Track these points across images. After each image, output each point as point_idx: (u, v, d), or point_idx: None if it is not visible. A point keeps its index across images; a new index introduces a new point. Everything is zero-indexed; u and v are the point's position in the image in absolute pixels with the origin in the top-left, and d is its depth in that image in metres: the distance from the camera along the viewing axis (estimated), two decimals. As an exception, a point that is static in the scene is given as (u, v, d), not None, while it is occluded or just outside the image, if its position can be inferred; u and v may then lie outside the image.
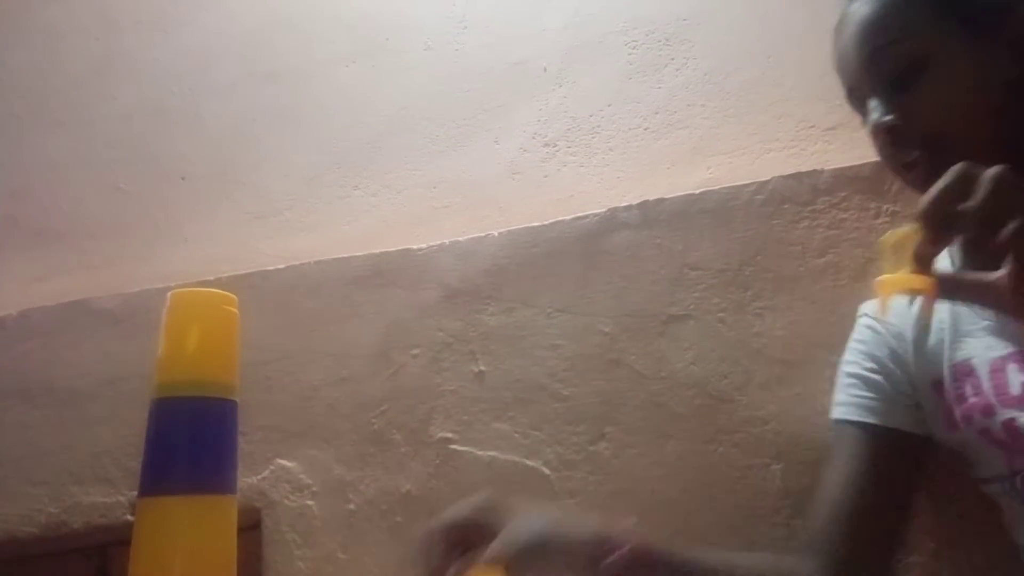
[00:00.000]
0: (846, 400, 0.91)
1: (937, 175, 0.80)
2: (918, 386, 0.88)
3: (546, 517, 0.76)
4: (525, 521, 0.75)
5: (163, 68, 1.50)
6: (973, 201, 0.58)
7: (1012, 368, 0.78)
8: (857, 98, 0.87)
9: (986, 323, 0.81)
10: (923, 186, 0.81)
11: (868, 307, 0.96)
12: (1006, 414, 0.78)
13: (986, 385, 0.80)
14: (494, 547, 0.72)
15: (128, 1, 1.55)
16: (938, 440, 0.87)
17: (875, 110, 0.83)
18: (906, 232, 0.63)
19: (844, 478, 0.87)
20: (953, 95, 0.80)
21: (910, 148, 0.82)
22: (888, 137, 0.83)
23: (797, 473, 1.00)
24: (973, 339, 0.82)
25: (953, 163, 0.79)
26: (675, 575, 0.81)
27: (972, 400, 0.81)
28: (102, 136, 1.48)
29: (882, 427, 0.88)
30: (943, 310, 0.86)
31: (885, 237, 0.65)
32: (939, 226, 0.60)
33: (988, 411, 0.79)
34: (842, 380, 0.94)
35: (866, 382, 0.91)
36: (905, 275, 0.63)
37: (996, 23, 0.80)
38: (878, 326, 0.92)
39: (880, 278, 0.65)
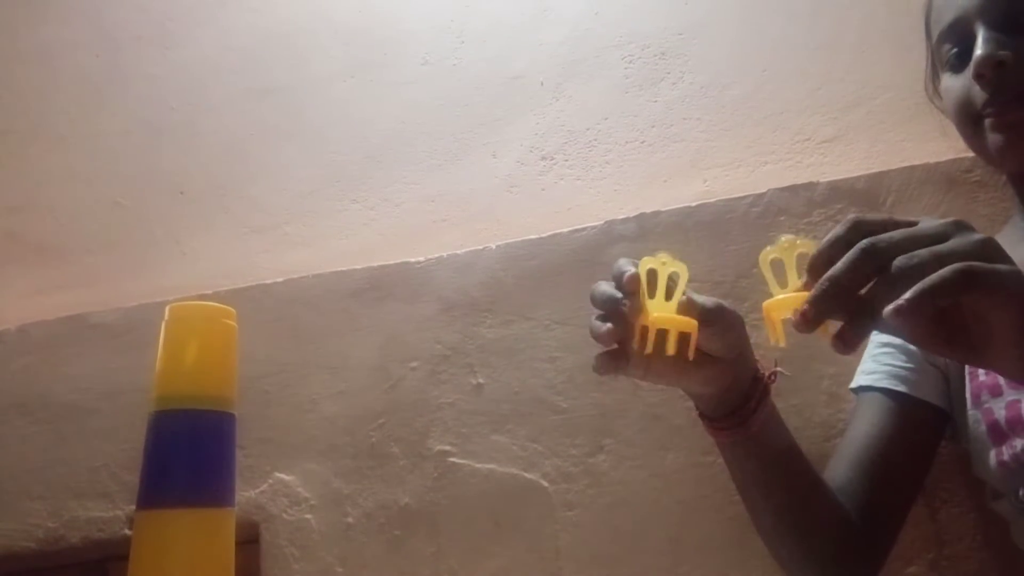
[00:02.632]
0: (875, 368, 0.91)
1: (1020, 128, 0.75)
2: (948, 362, 0.88)
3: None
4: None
5: (162, 84, 1.50)
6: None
7: None
8: (958, 32, 0.79)
9: None
10: (996, 139, 0.77)
11: None
12: (1012, 395, 0.78)
13: None
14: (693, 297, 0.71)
15: (127, 18, 1.56)
16: (957, 424, 0.87)
17: (986, 41, 0.75)
18: (787, 243, 0.61)
19: (867, 435, 0.88)
20: None
21: (1007, 93, 0.75)
22: (992, 74, 0.75)
23: (795, 484, 1.00)
24: None
25: None
26: (785, 444, 0.83)
27: (983, 378, 0.81)
28: (101, 151, 1.48)
29: (911, 396, 0.88)
30: None
31: (763, 252, 0.61)
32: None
33: (996, 391, 0.79)
34: (873, 349, 0.94)
35: (901, 350, 0.91)
36: (795, 293, 0.59)
37: None
38: None
39: (766, 302, 0.61)
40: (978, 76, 0.76)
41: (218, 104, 1.47)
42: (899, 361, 0.90)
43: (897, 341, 0.91)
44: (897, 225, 0.55)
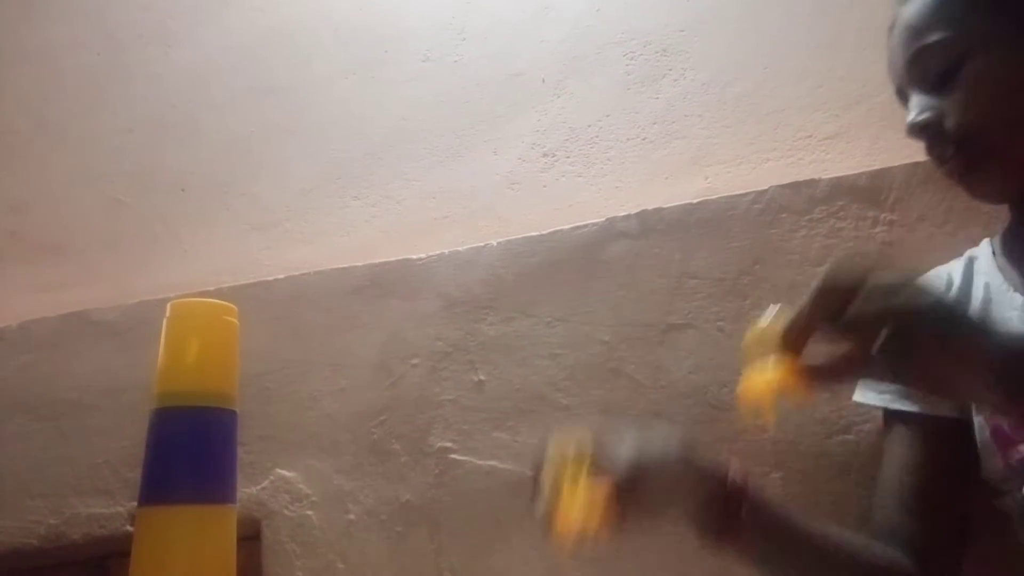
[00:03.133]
0: (890, 388, 0.91)
1: (971, 172, 0.80)
2: None
3: (660, 435, 0.75)
4: (639, 440, 0.74)
5: (163, 82, 1.50)
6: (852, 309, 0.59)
7: None
8: (903, 97, 0.86)
9: (1016, 312, 0.81)
10: (958, 181, 0.83)
11: None
12: None
13: None
14: (603, 465, 0.72)
15: (128, 17, 1.56)
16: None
17: (912, 108, 0.82)
18: (770, 323, 0.63)
19: (900, 468, 0.88)
20: (990, 91, 0.78)
21: (946, 145, 0.80)
22: (922, 136, 0.82)
23: (796, 481, 1.00)
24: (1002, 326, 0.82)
25: (987, 161, 0.79)
26: (793, 539, 0.82)
27: None
28: (102, 149, 1.48)
29: (928, 415, 0.88)
30: (979, 286, 0.86)
31: (747, 337, 0.64)
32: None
33: None
34: None
35: None
36: (769, 374, 0.62)
37: None
38: None
39: (740, 387, 0.63)
40: (912, 136, 0.83)
41: (219, 102, 1.47)
42: None
43: None
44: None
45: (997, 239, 0.90)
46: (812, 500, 0.99)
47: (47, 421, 1.26)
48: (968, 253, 0.92)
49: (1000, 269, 0.86)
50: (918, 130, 0.81)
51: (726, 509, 0.78)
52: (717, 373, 1.07)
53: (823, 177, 1.10)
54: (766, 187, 1.11)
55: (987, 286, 0.86)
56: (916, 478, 0.87)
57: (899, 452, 0.89)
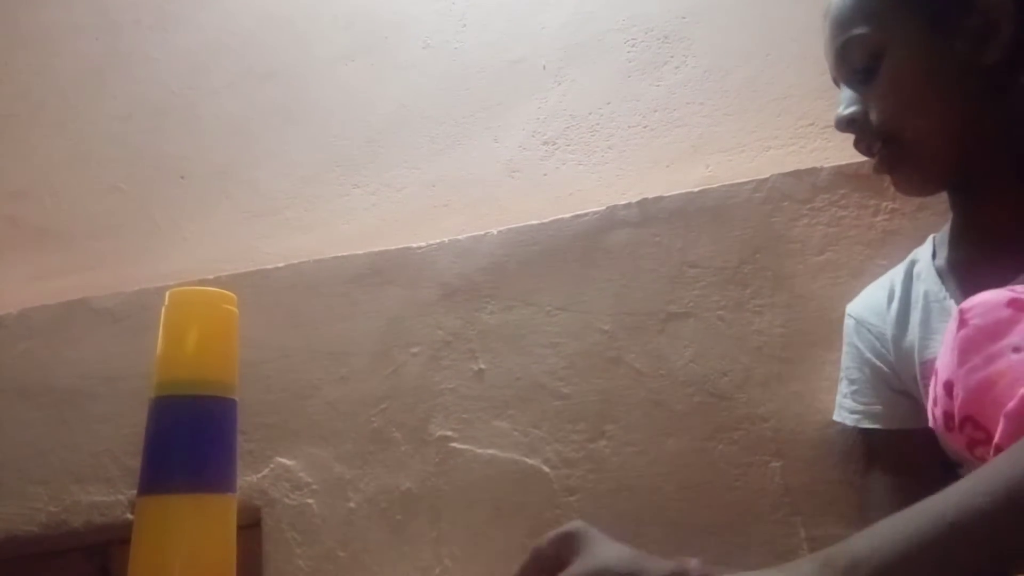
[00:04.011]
0: (854, 407, 0.92)
1: (897, 167, 0.82)
2: (906, 382, 0.88)
3: (621, 551, 0.75)
4: (599, 553, 0.74)
5: (162, 67, 1.50)
6: None
7: None
8: (837, 86, 0.88)
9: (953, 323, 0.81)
10: (886, 175, 0.85)
11: (852, 307, 0.96)
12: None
13: None
14: None
15: (127, 1, 1.55)
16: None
17: (840, 103, 0.84)
18: None
19: (882, 488, 0.89)
20: (906, 87, 0.79)
21: (870, 139, 0.83)
22: (849, 129, 0.84)
23: (796, 470, 1.01)
24: (940, 336, 0.81)
25: (911, 156, 0.81)
26: None
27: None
28: (101, 136, 1.48)
29: (890, 431, 0.88)
30: (918, 295, 0.86)
31: None
32: None
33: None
34: (845, 385, 0.94)
35: (865, 385, 0.91)
36: None
37: (959, 9, 0.77)
38: (863, 328, 0.93)
39: None
40: (840, 130, 0.86)
41: (219, 88, 1.46)
42: (868, 398, 0.91)
43: (859, 376, 0.92)
44: None
45: (940, 235, 0.90)
46: (812, 489, 0.99)
47: (47, 408, 1.26)
48: (912, 255, 0.92)
49: (939, 274, 0.86)
50: (844, 124, 0.83)
51: None
52: (717, 362, 1.07)
53: (825, 165, 1.10)
54: (768, 175, 1.11)
55: (926, 295, 0.85)
56: (896, 500, 0.86)
57: (876, 472, 0.90)
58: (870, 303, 0.94)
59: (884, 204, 1.06)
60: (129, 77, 1.51)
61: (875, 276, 0.99)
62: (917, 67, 0.79)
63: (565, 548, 0.75)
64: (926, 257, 0.89)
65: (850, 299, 0.99)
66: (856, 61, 0.82)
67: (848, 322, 0.96)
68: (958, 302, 0.80)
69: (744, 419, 1.04)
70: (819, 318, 1.04)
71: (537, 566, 0.76)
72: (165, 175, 1.43)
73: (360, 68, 1.41)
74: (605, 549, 0.74)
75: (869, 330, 0.92)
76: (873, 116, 0.81)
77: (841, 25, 0.82)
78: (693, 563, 0.77)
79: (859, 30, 0.81)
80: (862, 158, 1.07)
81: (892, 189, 1.05)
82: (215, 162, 1.42)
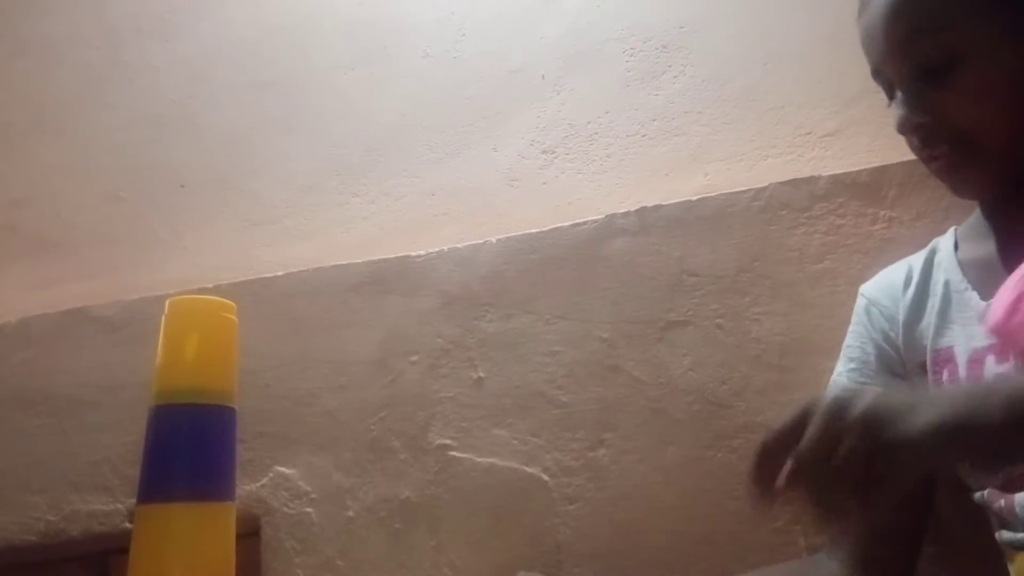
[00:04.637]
0: (848, 386, 0.91)
1: (960, 170, 0.80)
2: (909, 368, 0.88)
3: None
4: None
5: (162, 77, 1.50)
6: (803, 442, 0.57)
7: (990, 360, 0.78)
8: (883, 79, 0.83)
9: (972, 313, 0.81)
10: (945, 178, 0.83)
11: (867, 288, 0.96)
12: None
13: (963, 374, 0.80)
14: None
15: (128, 10, 1.55)
16: None
17: (903, 104, 0.80)
18: None
19: None
20: (989, 94, 0.77)
21: (937, 143, 0.80)
22: (914, 134, 0.81)
23: (795, 479, 1.00)
24: (958, 326, 0.82)
25: (978, 160, 0.79)
26: None
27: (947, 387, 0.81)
28: (101, 144, 1.48)
29: None
30: (938, 283, 0.86)
31: None
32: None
33: None
34: (844, 363, 0.94)
35: (864, 365, 0.91)
36: None
37: None
38: (874, 308, 0.93)
39: None
40: (902, 134, 0.82)
41: (219, 97, 1.46)
42: (865, 378, 0.90)
43: (861, 356, 0.92)
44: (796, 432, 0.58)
45: (963, 228, 0.90)
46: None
47: (46, 417, 1.26)
48: (932, 243, 0.92)
49: (961, 265, 0.86)
50: (912, 127, 0.80)
51: None
52: (716, 370, 1.07)
53: (823, 174, 1.10)
54: (766, 184, 1.11)
55: (946, 284, 0.85)
56: None
57: None
58: (885, 285, 0.94)
59: (882, 212, 1.06)
60: (129, 86, 1.51)
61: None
62: (1001, 75, 0.77)
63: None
64: (948, 248, 0.89)
65: (848, 307, 0.99)
66: (928, 61, 0.77)
67: (860, 301, 0.96)
68: (980, 295, 0.81)
69: (743, 427, 1.04)
70: (817, 326, 1.04)
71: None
72: (165, 184, 1.43)
73: (359, 77, 1.42)
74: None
75: (881, 311, 0.91)
76: (946, 121, 0.78)
77: (908, 16, 0.78)
78: None
79: (936, 27, 0.77)
80: (860, 167, 1.08)
81: (890, 197, 1.06)
82: (215, 171, 1.42)
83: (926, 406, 0.55)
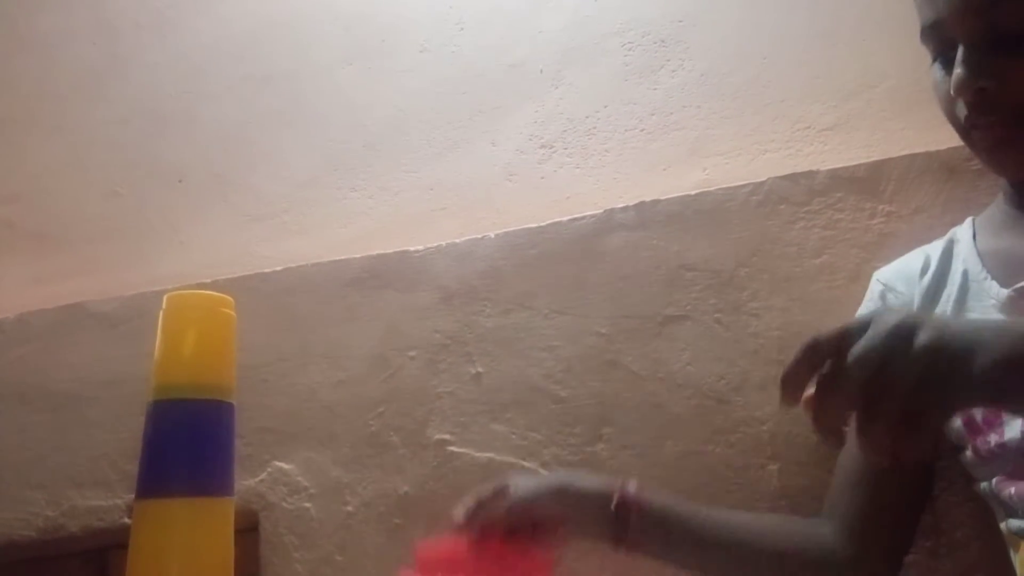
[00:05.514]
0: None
1: (1011, 144, 0.76)
2: None
3: (556, 472, 0.80)
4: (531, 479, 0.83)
5: (160, 72, 1.50)
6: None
7: None
8: (937, 35, 0.78)
9: (992, 302, 0.80)
10: (990, 150, 0.79)
11: (882, 273, 0.96)
12: None
13: None
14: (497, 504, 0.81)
15: (125, 5, 1.55)
16: None
17: (965, 64, 0.74)
18: None
19: (848, 450, 0.88)
20: None
21: (993, 112, 0.75)
22: (975, 98, 0.75)
23: (793, 473, 1.01)
24: (975, 315, 0.81)
25: None
26: (691, 535, 0.87)
27: None
28: (99, 140, 1.48)
29: None
30: (956, 272, 0.86)
31: None
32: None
33: None
34: None
35: None
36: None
37: None
38: (890, 294, 0.92)
39: None
40: (953, 93, 0.76)
41: (217, 92, 1.46)
42: None
43: None
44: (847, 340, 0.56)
45: (982, 218, 0.89)
46: (810, 491, 0.99)
47: (45, 413, 1.26)
48: (950, 233, 0.92)
49: (980, 255, 0.85)
50: (974, 91, 0.75)
51: (616, 520, 0.85)
52: (714, 365, 1.07)
53: (821, 168, 1.10)
54: (764, 178, 1.11)
55: (965, 273, 0.85)
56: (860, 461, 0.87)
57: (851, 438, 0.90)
58: (902, 270, 0.93)
59: (880, 207, 1.06)
60: (127, 81, 1.51)
61: (871, 279, 0.99)
62: None
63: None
64: (966, 237, 0.88)
65: (846, 302, 0.99)
66: (1006, 24, 0.72)
67: (875, 287, 0.95)
68: (1000, 283, 0.80)
69: (741, 422, 1.04)
70: (816, 321, 1.04)
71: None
72: (163, 179, 1.43)
73: (357, 72, 1.41)
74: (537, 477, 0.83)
75: (896, 297, 0.91)
76: (1009, 88, 0.74)
77: None
78: (631, 484, 0.85)
79: None
80: (859, 161, 1.08)
81: (888, 192, 1.06)
82: (213, 166, 1.42)
83: (991, 343, 0.54)
